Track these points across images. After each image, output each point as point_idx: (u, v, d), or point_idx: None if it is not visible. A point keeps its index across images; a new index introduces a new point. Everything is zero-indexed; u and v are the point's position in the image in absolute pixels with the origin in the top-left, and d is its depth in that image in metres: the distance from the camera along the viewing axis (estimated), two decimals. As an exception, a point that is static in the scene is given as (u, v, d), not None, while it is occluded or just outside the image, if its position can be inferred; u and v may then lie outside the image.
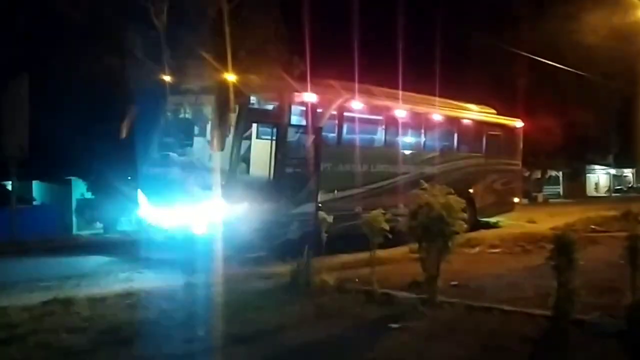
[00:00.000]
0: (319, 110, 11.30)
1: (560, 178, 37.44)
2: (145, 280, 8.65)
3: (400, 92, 13.51)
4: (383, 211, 7.67)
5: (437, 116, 14.39)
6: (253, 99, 11.02)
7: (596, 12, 18.77)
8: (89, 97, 13.78)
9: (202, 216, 10.11)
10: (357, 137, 12.83)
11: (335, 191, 11.53)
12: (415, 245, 7.29)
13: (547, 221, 16.39)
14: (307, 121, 11.11)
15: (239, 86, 10.57)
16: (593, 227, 14.04)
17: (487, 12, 24.02)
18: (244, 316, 6.35)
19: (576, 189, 35.60)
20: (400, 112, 13.26)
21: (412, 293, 7.09)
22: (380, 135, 13.58)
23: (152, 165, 11.27)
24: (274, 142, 10.56)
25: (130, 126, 11.55)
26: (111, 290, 7.75)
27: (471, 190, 14.84)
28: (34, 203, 17.24)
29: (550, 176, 36.68)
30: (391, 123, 13.37)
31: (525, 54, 21.66)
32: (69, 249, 12.41)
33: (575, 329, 5.54)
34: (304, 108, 11.19)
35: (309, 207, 9.41)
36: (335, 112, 11.87)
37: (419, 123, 14.15)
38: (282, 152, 10.62)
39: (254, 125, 11.19)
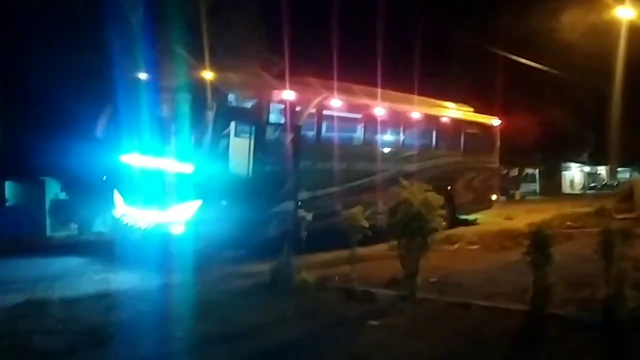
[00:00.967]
0: (297, 108, 11.24)
1: (537, 176, 38.09)
2: (121, 281, 8.50)
3: (379, 90, 13.55)
4: (363, 208, 7.67)
5: (416, 114, 14.46)
6: (231, 96, 10.92)
7: (572, 11, 19.11)
8: (63, 95, 13.49)
9: (179, 215, 9.98)
10: (337, 135, 12.81)
11: (315, 189, 11.50)
12: (394, 243, 7.32)
13: (524, 218, 16.47)
14: (286, 119, 11.03)
15: (217, 84, 10.48)
16: (569, 223, 14.25)
17: (465, 10, 24.27)
18: (223, 316, 6.29)
19: (552, 187, 36.26)
20: (380, 110, 13.28)
21: (391, 290, 7.11)
22: (359, 133, 13.58)
23: (128, 165, 11.10)
24: (252, 140, 10.46)
25: (105, 125, 11.37)
26: (86, 291, 7.61)
27: (450, 188, 14.93)
28: (7, 204, 16.85)
29: (527, 174, 37.31)
30: (370, 121, 13.38)
31: (502, 52, 21.94)
32: (43, 251, 12.12)
33: (553, 323, 5.61)
34: (282, 106, 11.12)
35: (289, 205, 9.40)
36: (314, 110, 11.81)
37: (398, 121, 14.19)
38: (261, 150, 10.53)
39: (232, 123, 11.08)
